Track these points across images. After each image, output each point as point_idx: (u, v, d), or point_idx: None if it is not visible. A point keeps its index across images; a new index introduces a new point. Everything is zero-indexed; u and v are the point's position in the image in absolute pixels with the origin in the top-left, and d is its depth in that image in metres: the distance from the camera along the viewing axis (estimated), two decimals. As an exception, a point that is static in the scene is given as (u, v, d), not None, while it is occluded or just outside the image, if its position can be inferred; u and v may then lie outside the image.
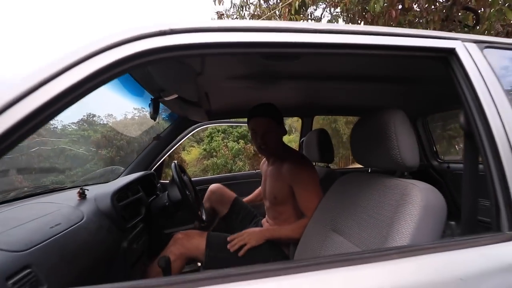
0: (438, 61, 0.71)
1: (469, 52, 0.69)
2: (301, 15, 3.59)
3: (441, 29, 3.00)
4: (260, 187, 1.64)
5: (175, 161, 1.42)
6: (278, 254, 1.25)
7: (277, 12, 3.94)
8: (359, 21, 3.30)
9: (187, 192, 1.34)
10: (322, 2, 3.79)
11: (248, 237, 1.20)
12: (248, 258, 1.17)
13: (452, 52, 0.68)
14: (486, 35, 3.68)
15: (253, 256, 1.18)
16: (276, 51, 0.61)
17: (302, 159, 1.30)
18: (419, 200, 0.67)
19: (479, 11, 2.86)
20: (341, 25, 1.72)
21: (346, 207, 0.91)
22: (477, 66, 0.67)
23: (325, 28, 0.62)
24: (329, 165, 1.76)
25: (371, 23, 3.07)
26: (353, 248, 0.81)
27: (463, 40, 0.71)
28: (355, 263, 0.51)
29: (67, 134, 17.26)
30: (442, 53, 0.69)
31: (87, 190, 1.12)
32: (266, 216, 1.45)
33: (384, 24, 2.94)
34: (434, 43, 0.68)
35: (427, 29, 2.83)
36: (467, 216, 0.69)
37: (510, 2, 2.54)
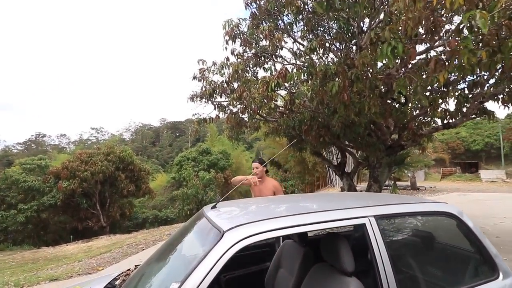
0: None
1: (370, 221, 1.36)
2: (275, 92, 4.28)
3: (380, 106, 3.87)
4: None
5: None
6: None
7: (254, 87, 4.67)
8: (320, 99, 4.09)
9: None
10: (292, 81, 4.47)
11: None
12: None
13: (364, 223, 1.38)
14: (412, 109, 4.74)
15: None
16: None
17: (275, 181, 3.22)
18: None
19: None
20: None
21: None
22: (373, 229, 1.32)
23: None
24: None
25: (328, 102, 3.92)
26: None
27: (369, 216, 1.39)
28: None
29: (21, 163, 15.97)
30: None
31: None
32: None
33: (337, 103, 3.71)
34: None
35: (369, 106, 3.62)
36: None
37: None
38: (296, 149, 8.03)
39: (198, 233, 1.45)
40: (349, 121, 5.53)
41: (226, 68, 6.28)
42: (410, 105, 4.39)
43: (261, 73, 6.61)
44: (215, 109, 6.92)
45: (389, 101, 4.78)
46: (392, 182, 9.09)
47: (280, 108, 5.96)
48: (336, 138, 5.87)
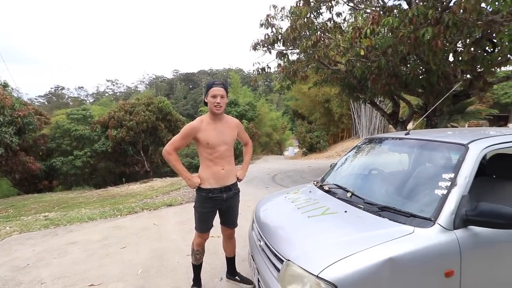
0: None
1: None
2: (368, 38, 4.30)
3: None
4: None
5: None
6: None
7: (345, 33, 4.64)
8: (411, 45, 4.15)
9: None
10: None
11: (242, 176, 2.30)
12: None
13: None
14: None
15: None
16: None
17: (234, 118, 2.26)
18: None
19: None
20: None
21: None
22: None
23: None
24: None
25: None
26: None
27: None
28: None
29: (68, 113, 16.89)
30: None
31: None
32: (219, 160, 2.07)
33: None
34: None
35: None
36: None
37: None
38: (351, 98, 8.23)
39: (419, 149, 1.88)
40: (422, 70, 5.61)
41: (291, 16, 6.25)
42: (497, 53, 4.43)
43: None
44: (276, 57, 7.03)
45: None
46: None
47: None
48: (404, 87, 6.03)
